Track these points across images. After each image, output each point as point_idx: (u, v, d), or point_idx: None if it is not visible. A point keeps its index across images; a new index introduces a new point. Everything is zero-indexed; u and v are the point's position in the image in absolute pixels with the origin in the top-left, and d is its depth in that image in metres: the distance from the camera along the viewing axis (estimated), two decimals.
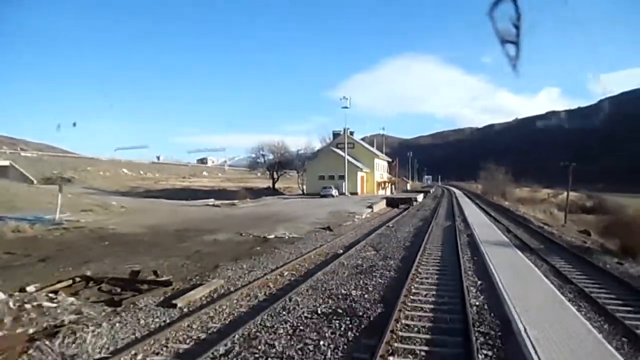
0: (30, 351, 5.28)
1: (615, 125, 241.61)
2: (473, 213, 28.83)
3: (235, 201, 35.53)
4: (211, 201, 41.17)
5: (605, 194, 55.76)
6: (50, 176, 62.54)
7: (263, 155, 46.58)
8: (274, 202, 34.84)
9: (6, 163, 62.71)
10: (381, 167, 51.73)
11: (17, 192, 31.10)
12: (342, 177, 40.29)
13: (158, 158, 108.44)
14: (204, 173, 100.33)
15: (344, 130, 44.25)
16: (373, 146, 54.28)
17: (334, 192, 37.56)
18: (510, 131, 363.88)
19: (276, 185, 52.61)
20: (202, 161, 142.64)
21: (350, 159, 41.22)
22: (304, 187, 44.87)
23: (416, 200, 38.17)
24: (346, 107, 40.36)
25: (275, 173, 46.77)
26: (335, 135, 47.77)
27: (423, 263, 11.31)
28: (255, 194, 47.71)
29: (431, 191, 71.39)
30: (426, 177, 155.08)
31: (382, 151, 57.85)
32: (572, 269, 11.43)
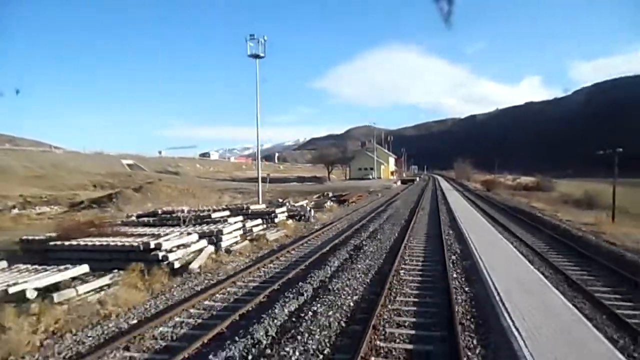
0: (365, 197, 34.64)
1: (588, 115, 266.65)
2: (445, 185, 58.53)
3: (316, 183, 64.04)
4: (293, 183, 69.48)
5: (565, 180, 72.25)
6: (161, 170, 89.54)
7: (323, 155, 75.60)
8: (341, 183, 63.46)
9: (131, 162, 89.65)
10: (391, 162, 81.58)
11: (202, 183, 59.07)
12: (371, 169, 69.15)
13: (160, 152, 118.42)
14: (243, 166, 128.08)
15: (373, 141, 74.04)
16: (385, 147, 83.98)
17: (371, 177, 66.62)
18: (492, 121, 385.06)
19: (318, 175, 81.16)
20: (205, 155, 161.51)
21: (376, 158, 70.22)
22: (348, 175, 73.89)
23: (416, 181, 67.93)
24: (374, 124, 69.78)
25: (330, 166, 75.68)
26: (363, 144, 77.49)
27: (426, 191, 40.89)
28: (311, 180, 76.12)
29: (421, 177, 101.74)
30: (413, 167, 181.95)
31: (382, 145, 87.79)
32: (469, 194, 41.34)
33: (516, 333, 5.37)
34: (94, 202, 30.88)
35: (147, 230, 12.66)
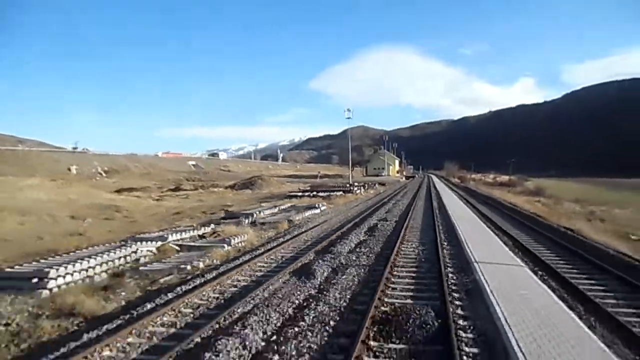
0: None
1: (578, 117, 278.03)
2: (436, 180, 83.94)
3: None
4: (326, 179, 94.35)
5: (543, 179, 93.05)
6: (216, 169, 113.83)
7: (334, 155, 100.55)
8: (363, 178, 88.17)
9: (194, 162, 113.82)
10: (397, 163, 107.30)
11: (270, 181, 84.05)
12: (383, 168, 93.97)
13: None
14: (269, 166, 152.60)
15: (384, 147, 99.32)
16: (390, 151, 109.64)
17: (383, 174, 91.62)
18: (484, 123, 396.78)
19: (339, 173, 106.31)
20: (214, 155, 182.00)
21: (386, 161, 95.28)
22: (365, 173, 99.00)
23: (415, 177, 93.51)
24: (385, 139, 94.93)
25: (352, 166, 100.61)
26: (375, 150, 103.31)
27: (424, 182, 66.22)
28: (336, 177, 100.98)
29: (418, 175, 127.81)
30: (409, 167, 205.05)
31: (389, 150, 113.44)
32: (448, 183, 66.83)
33: (446, 203, 30.48)
34: (242, 185, 55.28)
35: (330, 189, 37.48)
